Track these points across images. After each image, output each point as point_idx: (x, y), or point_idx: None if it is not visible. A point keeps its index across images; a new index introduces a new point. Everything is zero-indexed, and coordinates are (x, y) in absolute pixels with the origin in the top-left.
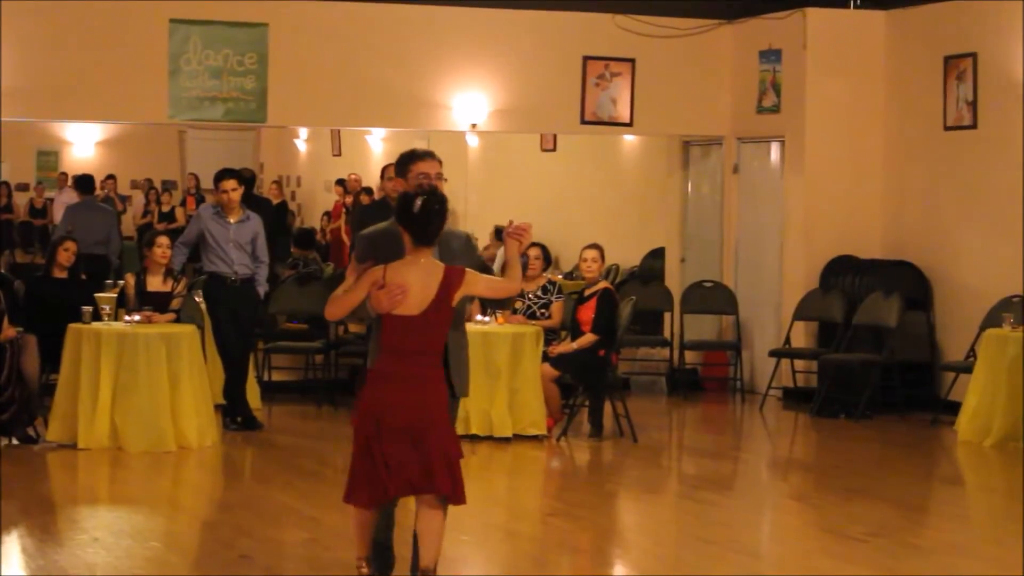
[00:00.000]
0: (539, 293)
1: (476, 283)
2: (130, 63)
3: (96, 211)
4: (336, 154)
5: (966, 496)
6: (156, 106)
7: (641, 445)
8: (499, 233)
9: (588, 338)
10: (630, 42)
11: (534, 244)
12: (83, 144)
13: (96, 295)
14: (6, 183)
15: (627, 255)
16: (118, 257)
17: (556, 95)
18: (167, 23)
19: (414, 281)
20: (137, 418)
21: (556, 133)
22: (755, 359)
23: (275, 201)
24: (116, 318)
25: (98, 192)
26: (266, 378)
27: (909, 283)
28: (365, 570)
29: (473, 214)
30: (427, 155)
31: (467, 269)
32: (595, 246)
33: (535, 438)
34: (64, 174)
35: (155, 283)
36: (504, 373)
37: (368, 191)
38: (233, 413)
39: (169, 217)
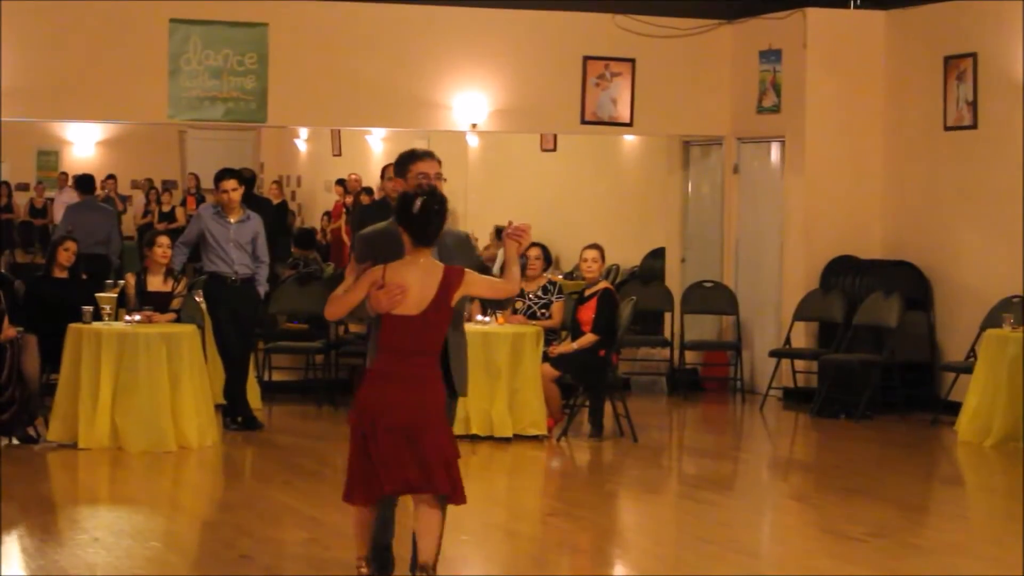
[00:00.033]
0: (539, 293)
1: (475, 283)
2: (130, 63)
3: (96, 211)
4: (336, 154)
5: (966, 496)
6: (156, 106)
7: (641, 445)
8: (500, 233)
9: (588, 338)
10: (630, 42)
11: (534, 244)
12: (83, 144)
13: (97, 295)
14: (6, 183)
15: (627, 255)
16: (118, 257)
17: (556, 95)
18: (167, 23)
19: (413, 281)
20: (137, 418)
21: (556, 133)
22: (755, 359)
23: (275, 201)
24: (116, 318)
25: (98, 192)
26: (266, 378)
27: (909, 283)
28: (365, 570)
29: (473, 214)
30: (426, 155)
31: (466, 269)
32: (595, 246)
33: (535, 438)
34: (64, 174)
35: (155, 283)
36: (504, 373)
37: (368, 191)
38: (233, 413)
39: (169, 217)
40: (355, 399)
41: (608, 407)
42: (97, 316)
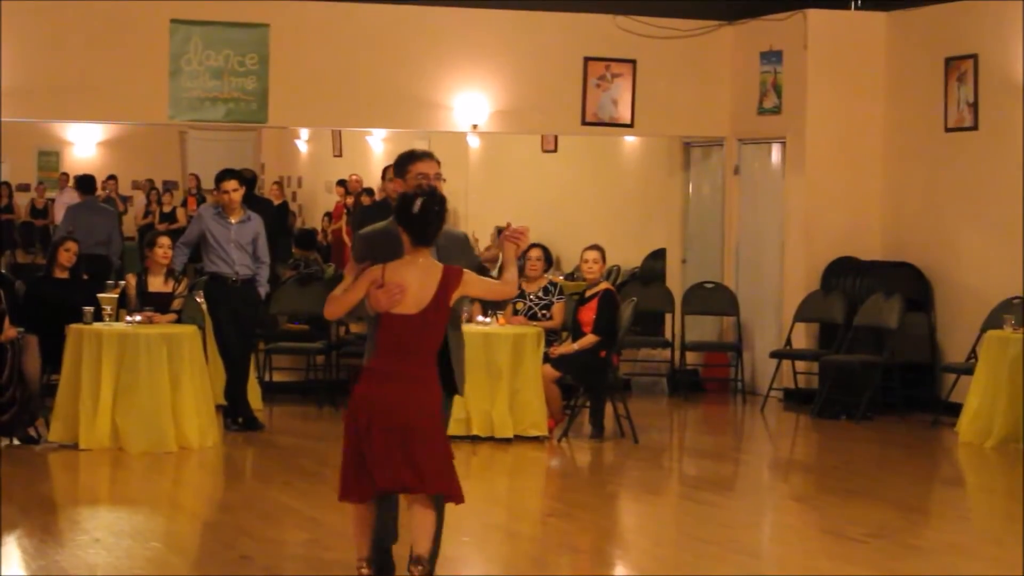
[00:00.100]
0: (540, 294)
1: (473, 284)
2: (131, 63)
3: (97, 211)
4: (337, 155)
5: (967, 497)
6: (157, 106)
7: (642, 446)
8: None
9: (589, 339)
10: (631, 43)
11: (535, 245)
12: (84, 144)
13: (97, 295)
14: (7, 183)
15: (628, 256)
16: (119, 257)
17: (557, 96)
18: (168, 23)
19: (412, 280)
20: (138, 418)
21: (557, 134)
22: (756, 360)
23: (276, 202)
24: (117, 318)
25: (99, 192)
26: (267, 379)
27: (910, 284)
28: (365, 571)
29: (474, 215)
30: (426, 155)
31: (465, 270)
32: (596, 247)
33: (536, 439)
34: (65, 174)
35: (156, 283)
36: (505, 374)
37: (369, 192)
38: (234, 414)
39: (170, 218)
40: (351, 396)
41: (609, 408)
42: (98, 317)
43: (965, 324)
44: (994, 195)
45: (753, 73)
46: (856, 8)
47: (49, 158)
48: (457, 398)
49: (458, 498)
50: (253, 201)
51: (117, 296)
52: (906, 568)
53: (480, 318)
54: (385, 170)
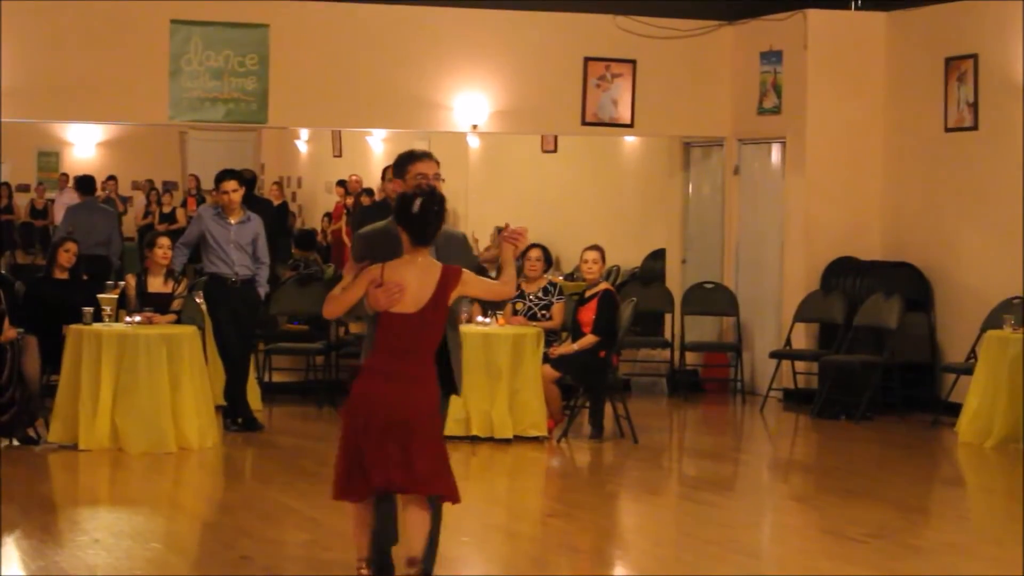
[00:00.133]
0: (540, 294)
1: (472, 284)
2: (131, 64)
3: (97, 212)
4: (337, 155)
5: (967, 497)
6: (157, 107)
7: (642, 446)
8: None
9: (589, 339)
10: (631, 43)
11: (535, 245)
12: (84, 145)
13: (97, 296)
14: (7, 184)
15: (628, 256)
16: (119, 258)
17: (557, 96)
18: (168, 24)
19: (411, 279)
20: (138, 419)
21: (557, 134)
22: (756, 360)
23: (276, 202)
24: (117, 319)
25: (99, 193)
26: (267, 379)
27: (910, 284)
28: (365, 571)
29: (474, 215)
30: (425, 156)
31: (463, 269)
32: (596, 247)
33: (536, 439)
34: (65, 175)
35: (156, 284)
36: (505, 374)
37: (369, 192)
38: (234, 414)
39: (170, 218)
40: (350, 394)
41: (608, 408)
42: (97, 317)
43: (965, 324)
44: (994, 195)
45: (753, 73)
46: (856, 8)
47: (49, 158)
48: (455, 398)
49: (454, 497)
50: (253, 201)
51: (117, 297)
52: (906, 568)
53: (480, 318)
54: (385, 170)
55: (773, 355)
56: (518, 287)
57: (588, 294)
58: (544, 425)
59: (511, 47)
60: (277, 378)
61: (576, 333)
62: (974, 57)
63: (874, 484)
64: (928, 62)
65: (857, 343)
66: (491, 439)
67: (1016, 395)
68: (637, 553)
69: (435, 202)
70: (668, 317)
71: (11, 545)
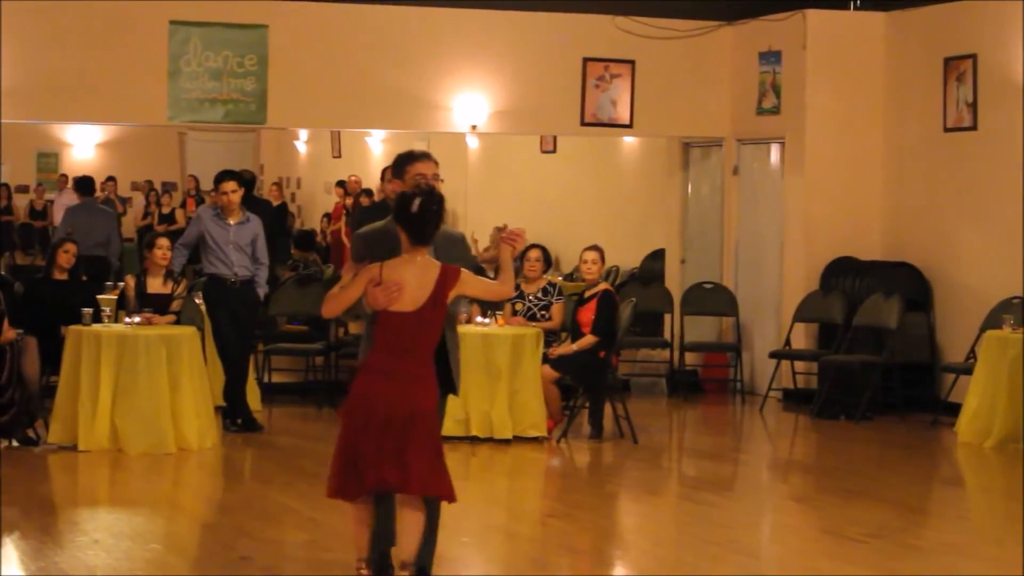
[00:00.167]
0: (539, 295)
1: (470, 283)
2: (130, 64)
3: (96, 213)
4: (336, 156)
5: (966, 497)
6: (156, 108)
7: (641, 446)
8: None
9: (588, 340)
10: (630, 43)
11: (534, 246)
12: (83, 146)
13: (96, 297)
14: (6, 185)
15: (627, 257)
16: (118, 259)
17: (556, 96)
18: (167, 24)
19: (410, 278)
20: (137, 420)
21: (556, 135)
22: (755, 360)
23: (275, 203)
24: (116, 320)
25: (98, 194)
26: (266, 380)
27: (909, 284)
28: (365, 572)
29: (473, 215)
30: (424, 156)
31: (462, 269)
32: (595, 248)
33: (535, 440)
34: (64, 176)
35: (155, 285)
36: (504, 375)
37: (368, 193)
38: (233, 415)
39: (169, 219)
40: (349, 393)
41: (608, 408)
42: (97, 318)
43: (965, 324)
44: (994, 195)
45: (752, 73)
46: (855, 8)
47: (48, 159)
48: (454, 398)
49: (450, 497)
50: (252, 202)
51: (116, 297)
52: (906, 568)
53: (479, 319)
54: (384, 171)
55: (773, 355)
56: (517, 287)
57: (587, 294)
58: (544, 425)
59: (510, 47)
60: (276, 379)
61: (575, 333)
62: (973, 57)
63: (874, 484)
64: (927, 62)
65: (857, 343)
66: (491, 439)
67: (1016, 395)
68: (637, 553)
69: (434, 201)
70: (667, 317)
71: (11, 546)
